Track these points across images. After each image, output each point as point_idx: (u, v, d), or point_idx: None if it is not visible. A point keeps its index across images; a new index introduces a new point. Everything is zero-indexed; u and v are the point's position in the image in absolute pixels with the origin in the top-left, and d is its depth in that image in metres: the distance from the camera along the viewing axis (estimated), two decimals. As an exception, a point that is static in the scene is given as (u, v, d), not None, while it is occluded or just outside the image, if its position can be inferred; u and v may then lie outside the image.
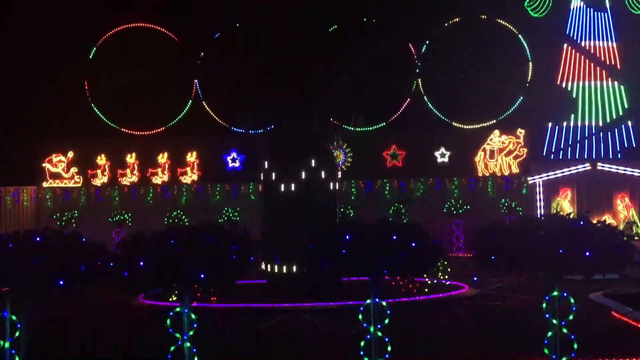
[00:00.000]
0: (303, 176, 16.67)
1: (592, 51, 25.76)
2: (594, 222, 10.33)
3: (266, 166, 17.35)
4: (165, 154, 26.21)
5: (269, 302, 15.85)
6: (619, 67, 25.79)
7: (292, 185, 16.66)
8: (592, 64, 25.79)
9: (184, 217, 25.42)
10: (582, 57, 25.87)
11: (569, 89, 25.97)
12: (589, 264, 9.48)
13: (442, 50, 25.09)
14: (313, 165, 16.69)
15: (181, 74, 24.95)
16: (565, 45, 26.05)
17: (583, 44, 25.86)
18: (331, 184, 17.26)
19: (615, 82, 25.84)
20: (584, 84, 25.84)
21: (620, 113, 25.79)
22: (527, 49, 27.02)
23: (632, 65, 25.55)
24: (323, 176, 16.82)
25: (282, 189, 16.75)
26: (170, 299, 14.73)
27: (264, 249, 16.25)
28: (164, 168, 26.27)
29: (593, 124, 25.78)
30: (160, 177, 26.26)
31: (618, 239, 9.87)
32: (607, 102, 25.83)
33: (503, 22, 26.88)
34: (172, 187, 26.35)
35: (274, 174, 17.07)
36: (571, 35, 26.07)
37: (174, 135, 26.53)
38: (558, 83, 26.04)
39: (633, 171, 25.11)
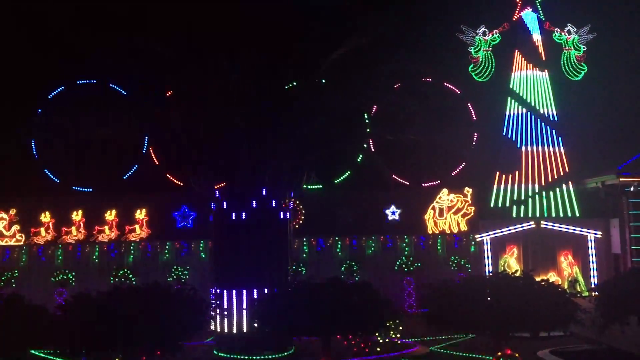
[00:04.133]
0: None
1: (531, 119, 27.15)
2: (538, 280, 10.63)
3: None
4: (113, 211, 25.61)
5: (217, 364, 15.45)
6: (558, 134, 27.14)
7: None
8: (534, 122, 27.07)
9: (131, 276, 24.67)
10: (526, 120, 27.19)
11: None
12: (534, 322, 9.68)
13: (392, 111, 25.83)
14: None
15: (130, 131, 24.74)
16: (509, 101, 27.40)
17: (520, 109, 27.28)
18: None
19: (557, 146, 27.11)
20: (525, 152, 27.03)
21: (561, 173, 26.92)
22: (472, 110, 28.13)
23: (570, 130, 26.91)
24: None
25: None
26: (114, 363, 14.12)
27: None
28: (111, 225, 25.62)
29: (536, 184, 26.78)
30: (107, 235, 25.57)
31: (561, 297, 10.16)
32: (548, 168, 26.99)
33: (450, 86, 28.00)
34: (119, 245, 25.66)
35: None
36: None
37: (122, 192, 26.00)
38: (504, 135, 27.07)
39: (575, 229, 26.03)
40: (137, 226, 25.61)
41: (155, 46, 17.75)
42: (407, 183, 27.33)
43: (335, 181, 26.99)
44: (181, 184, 25.74)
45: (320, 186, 26.02)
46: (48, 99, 26.63)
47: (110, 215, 25.62)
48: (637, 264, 23.80)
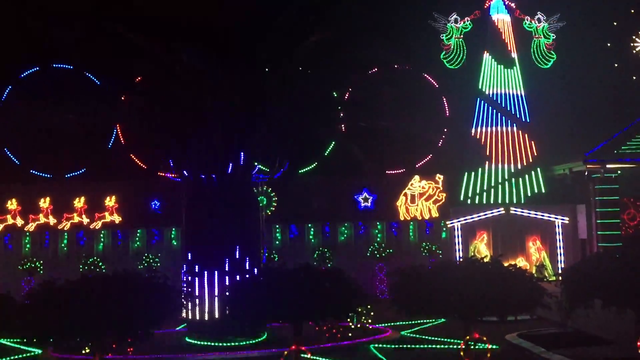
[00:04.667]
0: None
1: (501, 103, 27.54)
2: (506, 265, 10.83)
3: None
4: (82, 198, 25.22)
5: (189, 352, 15.39)
6: (528, 119, 27.55)
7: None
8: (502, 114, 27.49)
9: (101, 264, 24.39)
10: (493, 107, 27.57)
11: (482, 137, 27.47)
12: (502, 307, 9.88)
13: (365, 97, 25.86)
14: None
15: (101, 117, 24.30)
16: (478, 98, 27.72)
17: (491, 91, 27.58)
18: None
19: (523, 132, 27.54)
20: (496, 132, 27.46)
21: (530, 160, 27.35)
22: (445, 99, 28.31)
23: (539, 117, 27.32)
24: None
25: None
26: (84, 351, 13.99)
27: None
28: (81, 213, 25.25)
29: (505, 170, 27.18)
30: (75, 223, 25.18)
31: (528, 282, 10.39)
32: (517, 150, 27.41)
33: (422, 74, 28.11)
34: (89, 233, 25.31)
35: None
36: (483, 87, 27.76)
37: (92, 179, 25.60)
38: (472, 131, 27.43)
39: (543, 215, 26.53)
40: (106, 213, 25.29)
41: (122, 29, 17.41)
42: (395, 171, 27.23)
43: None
44: (152, 170, 25.43)
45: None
46: (16, 81, 26.03)
47: (79, 203, 25.24)
48: (602, 248, 24.37)
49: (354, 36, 20.94)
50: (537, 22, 28.57)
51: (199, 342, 16.26)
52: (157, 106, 17.68)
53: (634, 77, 28.58)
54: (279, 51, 17.48)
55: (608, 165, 25.53)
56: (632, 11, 29.21)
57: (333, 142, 26.76)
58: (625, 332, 12.44)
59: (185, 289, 14.04)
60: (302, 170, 25.69)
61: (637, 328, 10.91)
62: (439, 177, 26.83)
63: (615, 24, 28.97)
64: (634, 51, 29.48)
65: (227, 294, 11.45)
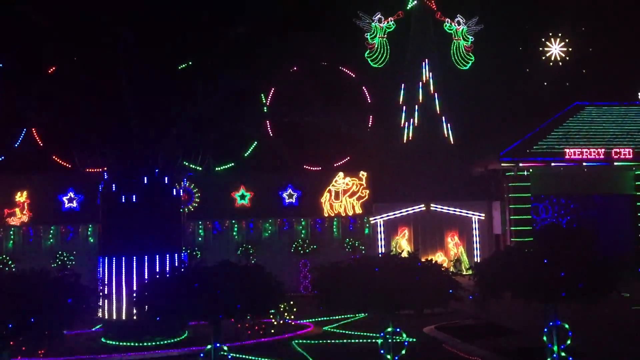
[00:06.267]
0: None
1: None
2: (423, 260, 11.13)
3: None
4: (-11, 194, 23.86)
5: (105, 353, 14.86)
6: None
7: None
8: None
9: (10, 262, 23.13)
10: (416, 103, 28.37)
11: (406, 132, 28.21)
12: (418, 300, 10.16)
13: (289, 93, 25.84)
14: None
15: (13, 107, 22.97)
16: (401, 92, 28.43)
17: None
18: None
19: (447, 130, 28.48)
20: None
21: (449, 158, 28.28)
22: (368, 96, 28.75)
23: (457, 117, 28.31)
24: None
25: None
26: (-11, 356, 13.19)
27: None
28: (-13, 209, 23.86)
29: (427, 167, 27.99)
30: (-18, 219, 23.78)
31: (443, 276, 10.72)
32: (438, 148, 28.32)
33: (346, 70, 28.43)
34: (-3, 230, 23.95)
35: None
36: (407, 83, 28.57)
37: (0, 173, 24.22)
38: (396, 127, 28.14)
39: (461, 211, 27.48)
40: (17, 209, 24.00)
41: (31, 13, 16.50)
42: (319, 168, 27.33)
43: (232, 163, 26.64)
44: (66, 164, 24.38)
45: (217, 168, 25.64)
46: None
47: (-14, 198, 23.85)
48: (514, 243, 25.53)
49: (280, 30, 20.81)
50: (456, 24, 29.54)
51: (115, 343, 15.72)
52: (70, 95, 16.87)
53: (544, 82, 30.12)
54: (201, 42, 17.12)
55: (521, 164, 26.77)
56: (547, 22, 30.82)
57: (255, 142, 26.59)
58: (533, 323, 13.04)
59: (100, 287, 13.50)
60: (219, 168, 25.33)
61: (543, 319, 11.46)
62: (363, 174, 27.23)
63: (528, 29, 30.38)
64: (546, 55, 31.05)
65: (144, 293, 11.10)
